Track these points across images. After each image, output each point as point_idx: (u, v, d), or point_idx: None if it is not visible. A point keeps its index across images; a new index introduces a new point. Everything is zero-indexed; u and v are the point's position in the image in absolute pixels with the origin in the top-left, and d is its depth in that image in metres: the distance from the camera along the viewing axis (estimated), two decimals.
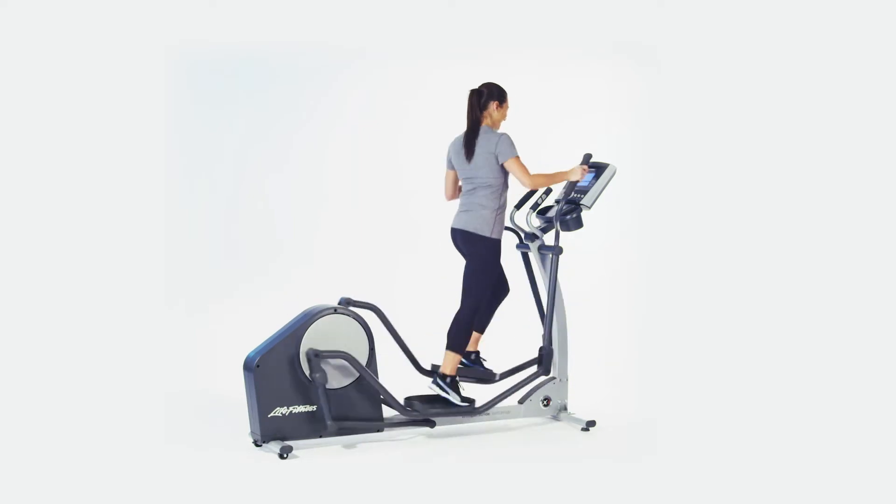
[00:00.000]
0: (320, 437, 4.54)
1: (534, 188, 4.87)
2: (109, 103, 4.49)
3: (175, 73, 6.57)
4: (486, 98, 4.82)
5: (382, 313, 4.85)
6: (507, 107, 4.90)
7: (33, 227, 4.25)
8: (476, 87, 4.84)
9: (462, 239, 4.84)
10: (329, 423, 4.41)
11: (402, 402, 4.68)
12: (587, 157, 4.93)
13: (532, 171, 4.75)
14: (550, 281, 4.93)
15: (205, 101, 7.24)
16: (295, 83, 7.39)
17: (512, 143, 4.75)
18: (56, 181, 4.32)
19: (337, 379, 4.57)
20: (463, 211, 4.86)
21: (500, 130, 4.85)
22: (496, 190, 4.79)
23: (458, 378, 4.84)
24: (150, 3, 4.88)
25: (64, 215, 4.32)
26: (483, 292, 4.84)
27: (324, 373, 4.46)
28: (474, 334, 4.99)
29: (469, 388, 4.98)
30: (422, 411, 4.71)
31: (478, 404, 4.83)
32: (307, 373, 4.48)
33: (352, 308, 4.68)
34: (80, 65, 4.42)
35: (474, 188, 4.82)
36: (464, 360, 5.01)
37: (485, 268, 4.81)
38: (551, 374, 5.02)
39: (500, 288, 5.00)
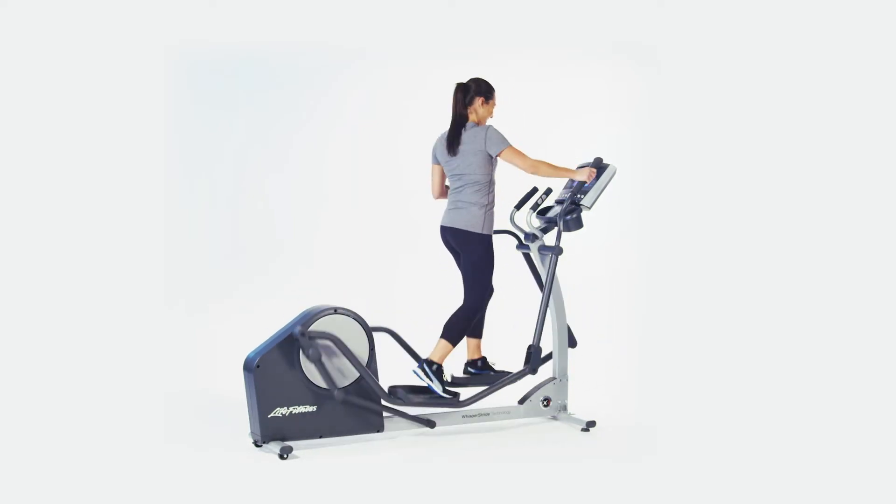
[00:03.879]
0: (320, 437, 4.54)
1: (536, 174, 4.73)
2: (110, 103, 4.49)
3: (175, 73, 6.57)
4: (473, 94, 4.79)
5: (398, 336, 4.83)
6: (494, 104, 4.85)
7: (34, 227, 4.25)
8: (463, 81, 4.82)
9: (453, 237, 4.83)
10: (336, 392, 4.41)
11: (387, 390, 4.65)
12: (598, 160, 4.88)
13: (533, 158, 4.69)
14: (547, 280, 4.92)
15: (205, 101, 7.24)
16: (295, 83, 7.39)
17: (501, 134, 4.70)
18: (56, 181, 4.32)
19: (335, 380, 4.57)
20: (452, 209, 4.83)
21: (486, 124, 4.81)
22: (484, 186, 4.76)
23: (442, 367, 4.75)
24: (150, 3, 4.88)
25: (64, 215, 4.32)
26: (486, 284, 4.82)
27: (316, 348, 4.42)
28: (473, 341, 4.93)
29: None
30: (405, 399, 4.62)
31: (461, 400, 4.78)
32: (302, 352, 4.46)
33: (306, 333, 4.54)
34: (80, 65, 4.42)
35: (462, 185, 4.79)
36: (471, 370, 4.95)
37: (483, 260, 4.79)
38: (550, 375, 5.02)
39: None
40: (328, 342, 4.50)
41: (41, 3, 4.39)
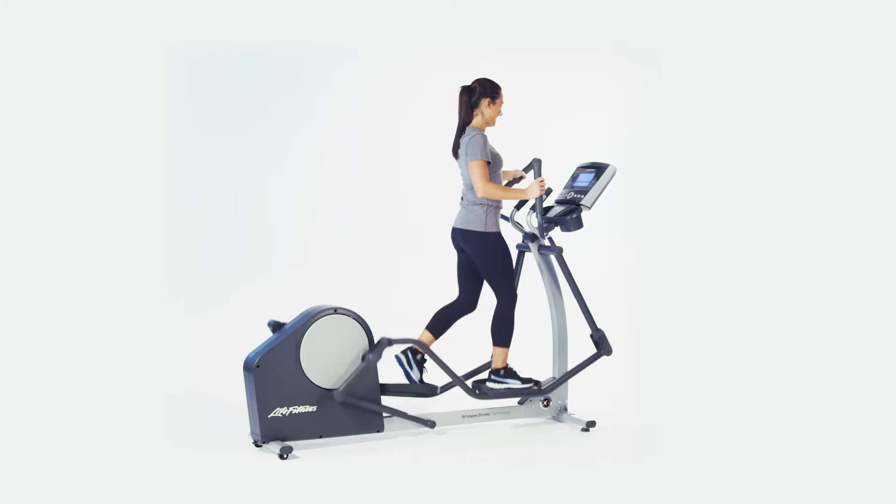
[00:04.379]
0: (320, 437, 4.54)
1: (485, 196, 4.70)
2: (110, 103, 4.49)
3: (175, 74, 6.56)
4: (478, 95, 4.77)
5: (427, 347, 4.83)
6: (502, 102, 4.83)
7: (34, 228, 4.25)
8: (467, 83, 4.82)
9: (461, 237, 4.85)
10: (338, 390, 4.47)
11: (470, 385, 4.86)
12: (537, 164, 4.82)
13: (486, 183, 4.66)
14: (568, 279, 4.93)
15: (205, 102, 7.23)
16: (295, 83, 7.38)
17: (479, 146, 4.68)
18: (57, 181, 4.32)
19: (338, 380, 4.57)
20: (460, 210, 4.88)
21: (489, 131, 4.82)
22: None
23: (510, 366, 4.89)
24: (150, 3, 4.88)
25: (64, 216, 4.33)
26: (509, 280, 4.85)
27: (378, 356, 4.58)
28: (427, 335, 4.88)
29: (407, 402, 4.90)
30: (490, 394, 4.82)
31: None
32: (304, 370, 4.49)
33: (393, 343, 4.66)
34: (80, 65, 4.42)
35: (466, 187, 4.83)
36: (403, 358, 4.85)
37: (497, 259, 4.81)
38: (550, 375, 5.02)
39: (468, 301, 4.96)
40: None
41: (41, 3, 4.39)
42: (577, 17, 6.27)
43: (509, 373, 4.87)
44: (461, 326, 5.00)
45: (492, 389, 4.84)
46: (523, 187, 4.90)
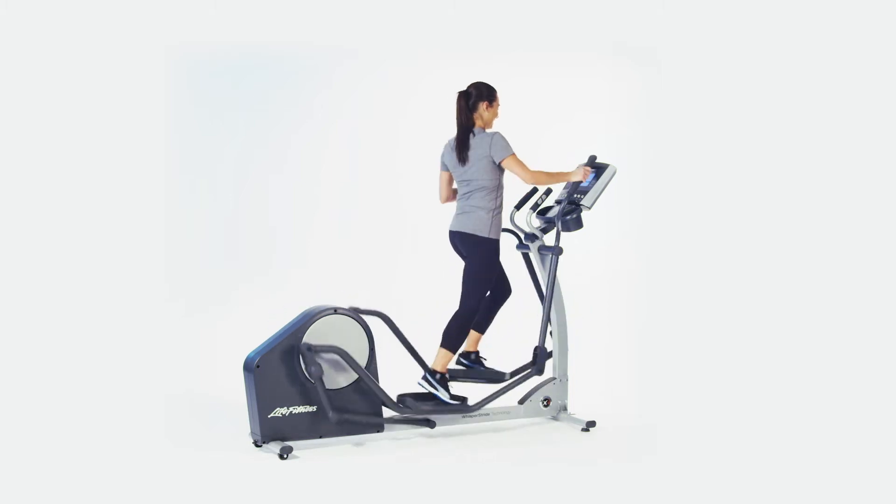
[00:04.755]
0: (320, 437, 4.54)
1: (535, 184, 4.83)
2: (110, 103, 4.49)
3: (175, 74, 6.56)
4: (475, 99, 4.78)
5: (390, 320, 4.83)
6: (498, 104, 4.85)
7: (34, 228, 4.25)
8: (463, 88, 4.82)
9: (461, 241, 4.84)
10: (330, 414, 4.39)
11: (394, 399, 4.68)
12: (592, 158, 4.92)
13: (532, 168, 4.73)
14: (549, 281, 4.93)
15: (205, 102, 7.24)
16: (295, 83, 7.39)
17: (506, 142, 4.72)
18: (57, 181, 4.32)
19: (335, 380, 4.57)
20: (460, 213, 4.85)
21: (493, 129, 4.83)
22: (492, 191, 4.77)
23: (447, 376, 4.82)
24: (150, 3, 4.88)
25: (64, 216, 4.33)
26: (482, 293, 4.84)
27: (319, 365, 4.44)
28: (474, 334, 4.97)
29: (476, 389, 4.96)
30: (413, 408, 4.69)
31: (470, 403, 4.82)
32: (304, 368, 4.48)
33: (359, 314, 4.66)
34: (80, 65, 4.42)
35: (470, 191, 4.80)
36: (464, 361, 5.00)
37: (484, 269, 4.81)
38: (550, 375, 5.02)
39: (501, 289, 4.98)
40: (332, 354, 4.51)
41: (41, 3, 4.39)
42: (577, 17, 6.27)
43: (443, 381, 4.80)
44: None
45: (414, 403, 4.72)
46: (568, 171, 4.92)
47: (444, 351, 4.80)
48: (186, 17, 5.73)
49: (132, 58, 4.58)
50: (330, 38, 6.55)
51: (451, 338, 4.80)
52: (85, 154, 4.40)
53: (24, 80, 4.29)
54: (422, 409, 4.70)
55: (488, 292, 4.92)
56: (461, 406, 4.79)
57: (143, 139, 4.59)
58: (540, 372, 4.95)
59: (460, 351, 4.96)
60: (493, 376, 4.94)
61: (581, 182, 4.91)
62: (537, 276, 5.13)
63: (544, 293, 5.04)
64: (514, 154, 4.71)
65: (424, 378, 4.79)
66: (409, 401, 4.73)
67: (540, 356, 4.94)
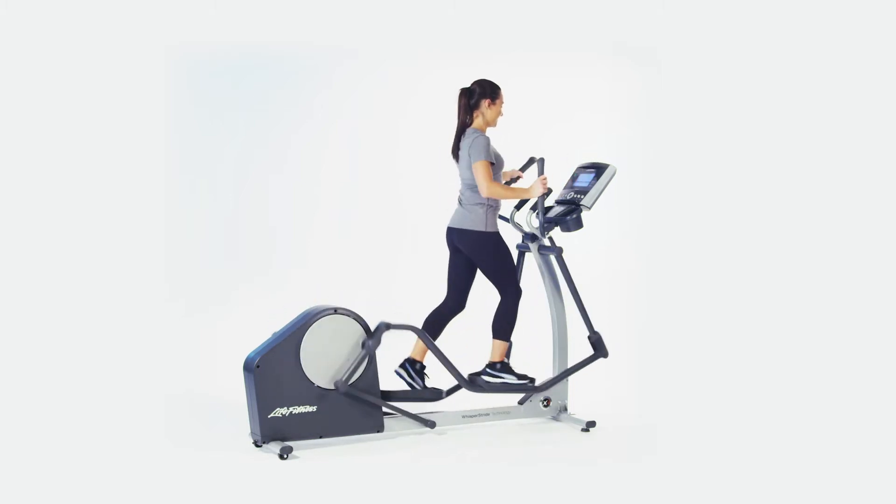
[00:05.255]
0: (320, 437, 4.54)
1: (490, 196, 4.72)
2: (110, 103, 4.49)
3: (175, 74, 6.56)
4: (478, 97, 4.77)
5: (424, 333, 4.83)
6: (502, 102, 4.84)
7: (33, 228, 4.25)
8: (466, 85, 4.81)
9: (458, 237, 4.85)
10: (341, 380, 4.49)
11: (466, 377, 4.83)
12: (540, 162, 4.84)
13: (491, 182, 4.66)
14: (567, 280, 4.94)
15: (205, 102, 7.24)
16: (295, 83, 7.39)
17: (483, 147, 4.68)
18: (57, 181, 4.32)
19: (337, 379, 4.57)
20: (456, 210, 4.88)
21: (489, 132, 4.82)
22: None
23: (507, 362, 4.90)
24: (150, 3, 4.88)
25: (64, 216, 4.32)
26: (514, 280, 4.88)
27: (378, 343, 4.59)
28: (420, 344, 4.87)
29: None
30: (487, 388, 4.83)
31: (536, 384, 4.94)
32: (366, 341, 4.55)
33: (391, 328, 4.66)
34: (80, 65, 4.42)
35: (465, 188, 4.84)
36: (408, 369, 4.86)
37: (499, 261, 4.82)
38: (551, 376, 5.03)
39: (456, 303, 4.96)
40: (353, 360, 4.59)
41: (41, 3, 4.39)
42: (577, 17, 6.28)
43: (505, 367, 4.88)
44: (454, 328, 5.00)
45: (487, 383, 4.84)
46: (525, 186, 4.91)
47: (497, 342, 4.87)
48: (186, 17, 5.73)
49: (132, 58, 4.58)
50: (330, 38, 6.55)
51: (502, 327, 4.86)
52: (85, 154, 4.40)
53: (24, 80, 4.29)
54: (496, 388, 4.84)
55: (446, 299, 4.95)
56: (531, 385, 4.90)
57: (143, 139, 4.59)
58: (605, 355, 5.00)
59: (405, 359, 4.90)
60: (430, 395, 4.88)
61: (542, 196, 4.82)
62: (520, 273, 5.10)
63: (545, 292, 5.05)
64: (484, 161, 4.67)
65: (487, 373, 4.86)
66: (482, 380, 4.84)
67: (599, 342, 4.98)
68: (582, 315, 4.98)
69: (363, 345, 4.60)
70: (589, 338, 5.01)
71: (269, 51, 6.92)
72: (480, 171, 4.67)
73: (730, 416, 4.21)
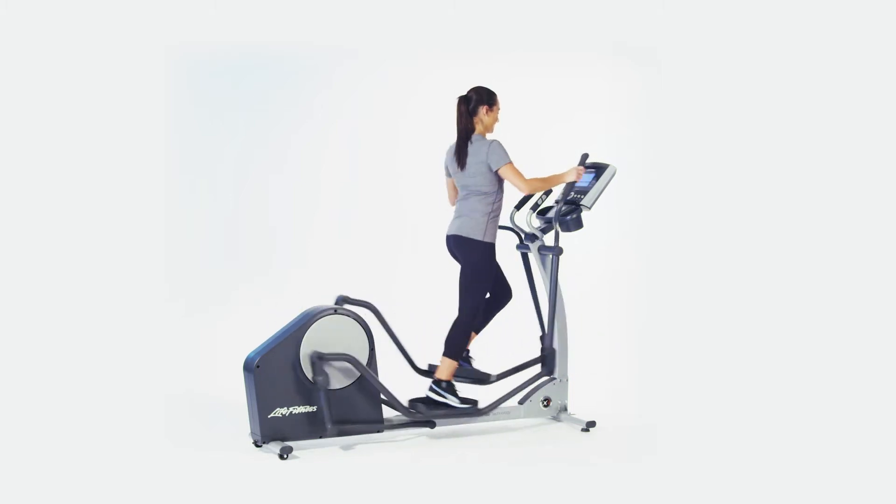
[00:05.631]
0: (320, 437, 4.54)
1: (531, 192, 4.81)
2: (110, 103, 4.49)
3: (175, 74, 6.56)
4: (475, 104, 4.78)
5: (379, 312, 4.84)
6: (499, 108, 4.85)
7: (33, 228, 4.25)
8: (463, 93, 4.81)
9: (456, 244, 4.84)
10: (329, 426, 4.41)
11: (405, 404, 4.68)
12: (584, 157, 4.91)
13: (528, 176, 4.72)
14: (551, 282, 4.93)
15: (205, 102, 7.24)
16: (295, 83, 7.39)
17: (503, 150, 4.70)
18: (57, 181, 4.32)
19: (338, 380, 4.57)
20: (456, 217, 4.86)
21: (492, 136, 4.82)
22: (489, 196, 4.77)
23: (453, 381, 4.82)
24: (150, 3, 4.88)
25: (64, 216, 4.32)
26: (480, 298, 4.83)
27: (326, 375, 4.47)
28: (446, 364, 4.85)
29: (465, 389, 4.97)
30: (425, 413, 4.71)
31: (480, 405, 4.83)
32: (309, 375, 4.48)
33: (348, 306, 4.68)
34: (80, 65, 4.42)
35: (468, 195, 4.81)
36: (433, 392, 4.86)
37: (479, 272, 4.80)
38: (553, 375, 5.02)
39: (501, 293, 4.98)
40: (342, 362, 4.53)
41: (41, 3, 4.39)
42: (577, 17, 6.27)
43: (450, 388, 4.81)
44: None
45: (426, 409, 4.74)
46: (561, 172, 4.91)
47: (446, 360, 4.81)
48: (186, 17, 5.73)
49: (132, 58, 4.58)
50: (330, 38, 6.55)
51: (453, 346, 4.80)
52: (85, 154, 4.40)
53: (24, 80, 4.29)
54: (434, 415, 4.73)
55: (488, 294, 4.91)
56: (472, 409, 4.80)
57: (143, 139, 4.59)
58: (550, 373, 4.97)
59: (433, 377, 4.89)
60: (479, 377, 4.95)
61: (576, 182, 4.89)
62: (535, 276, 5.13)
63: (544, 294, 5.05)
64: (510, 163, 4.69)
65: (432, 389, 4.79)
66: (422, 406, 4.75)
67: (548, 357, 4.96)
68: (548, 321, 4.97)
69: (316, 382, 4.50)
70: (542, 349, 5.00)
71: (269, 51, 6.92)
72: (511, 173, 4.69)
73: (730, 416, 4.21)
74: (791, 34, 4.35)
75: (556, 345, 5.02)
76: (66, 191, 4.34)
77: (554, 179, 4.85)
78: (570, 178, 4.86)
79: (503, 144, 4.73)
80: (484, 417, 4.86)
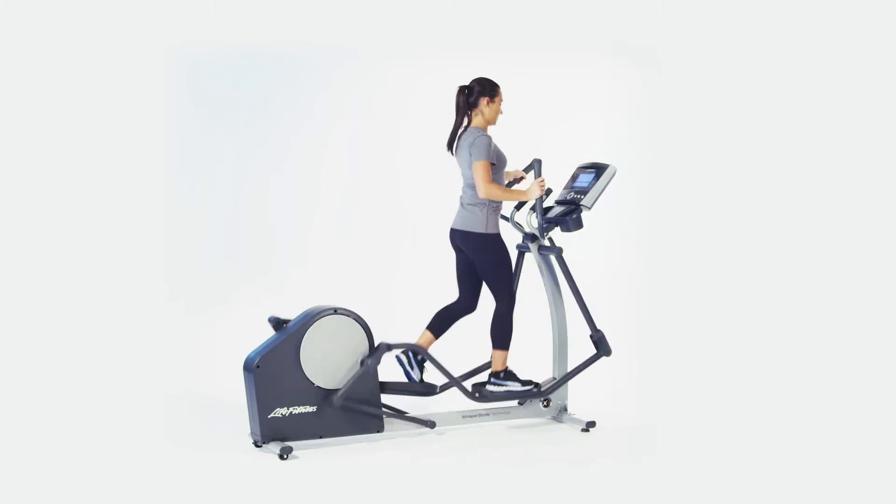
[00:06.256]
0: (320, 437, 4.54)
1: (486, 197, 4.70)
2: (110, 103, 4.49)
3: (175, 74, 6.56)
4: (477, 95, 4.75)
5: (426, 351, 4.82)
6: (501, 100, 4.81)
7: (33, 228, 4.25)
8: (465, 84, 4.80)
9: (461, 239, 4.84)
10: (336, 398, 4.48)
11: (469, 389, 4.86)
12: (538, 163, 4.80)
13: (489, 183, 4.64)
14: (568, 280, 4.93)
15: (205, 102, 7.24)
16: (295, 83, 7.38)
17: (485, 147, 4.66)
18: (57, 181, 4.32)
19: (339, 378, 4.57)
20: (458, 210, 4.87)
21: (490, 131, 4.81)
22: None
23: (510, 369, 4.90)
24: (150, 3, 4.88)
25: (64, 216, 4.32)
26: (508, 282, 4.84)
27: (377, 361, 4.60)
28: (428, 335, 4.88)
29: (407, 402, 4.91)
30: (492, 398, 4.84)
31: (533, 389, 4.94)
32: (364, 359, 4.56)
33: (391, 349, 4.68)
34: (80, 65, 4.42)
35: (466, 186, 4.82)
36: (406, 358, 4.84)
37: (496, 261, 4.80)
38: (550, 376, 5.02)
39: (468, 303, 4.96)
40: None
41: (41, 3, 4.39)
42: (577, 17, 6.27)
43: (509, 375, 4.87)
44: (461, 327, 5.00)
45: (491, 392, 4.84)
46: (523, 188, 4.90)
47: (497, 352, 4.86)
48: (186, 17, 5.73)
49: (132, 58, 4.58)
50: (330, 38, 6.55)
51: (499, 336, 4.84)
52: (85, 154, 4.40)
53: (24, 80, 4.29)
54: (501, 397, 4.85)
55: (459, 297, 4.94)
56: (535, 391, 4.90)
57: (143, 139, 4.59)
58: (608, 353, 5.01)
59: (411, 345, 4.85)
60: (424, 390, 4.87)
61: (540, 198, 4.81)
62: (519, 273, 5.10)
63: (544, 292, 5.05)
64: (484, 161, 4.65)
65: (492, 383, 4.85)
66: (487, 391, 4.84)
67: (602, 341, 4.99)
68: (584, 314, 4.98)
69: (362, 363, 4.59)
70: (591, 336, 5.00)
71: (269, 51, 6.91)
72: (479, 172, 4.65)
73: (730, 416, 4.21)
74: (791, 34, 4.36)
75: (555, 345, 5.03)
76: (67, 191, 4.34)
77: (514, 195, 4.82)
78: (533, 196, 4.78)
79: (488, 143, 4.68)
80: (482, 418, 4.87)
